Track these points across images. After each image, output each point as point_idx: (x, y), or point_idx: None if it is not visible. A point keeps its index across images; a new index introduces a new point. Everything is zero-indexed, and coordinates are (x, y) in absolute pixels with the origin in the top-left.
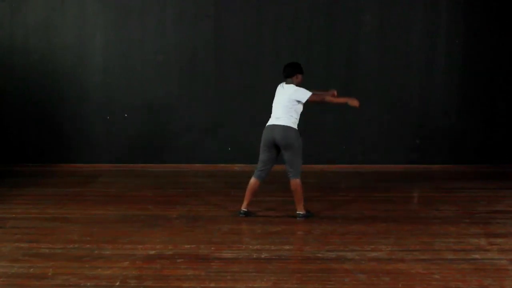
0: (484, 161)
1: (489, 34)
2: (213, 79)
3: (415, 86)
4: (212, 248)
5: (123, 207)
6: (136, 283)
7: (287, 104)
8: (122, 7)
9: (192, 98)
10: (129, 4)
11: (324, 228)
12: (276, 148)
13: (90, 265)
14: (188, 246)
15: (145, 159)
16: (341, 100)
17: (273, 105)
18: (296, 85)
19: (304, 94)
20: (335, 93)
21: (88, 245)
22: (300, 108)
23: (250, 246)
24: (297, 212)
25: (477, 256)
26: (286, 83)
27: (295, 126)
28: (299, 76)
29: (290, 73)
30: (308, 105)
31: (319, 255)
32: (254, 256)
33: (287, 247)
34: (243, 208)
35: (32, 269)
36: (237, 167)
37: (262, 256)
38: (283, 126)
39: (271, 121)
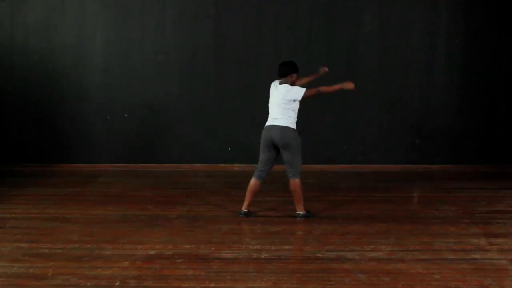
0: (484, 161)
1: (489, 34)
2: (213, 79)
3: (415, 86)
4: (212, 248)
5: (123, 207)
6: (136, 283)
7: (283, 105)
8: (122, 7)
9: (192, 98)
10: (129, 4)
11: (324, 228)
12: (276, 148)
13: (90, 265)
14: (188, 246)
15: (145, 159)
16: (336, 87)
17: (269, 106)
18: (291, 84)
19: (299, 92)
20: (326, 69)
21: (88, 245)
22: (296, 106)
23: (250, 246)
24: (297, 212)
25: (477, 256)
26: (279, 83)
27: (294, 126)
28: (294, 76)
29: (285, 73)
30: (308, 105)
31: (319, 255)
32: (254, 256)
33: (287, 247)
34: (244, 209)
35: (32, 269)
36: (237, 167)
37: (262, 256)
38: (281, 126)
39: (269, 122)
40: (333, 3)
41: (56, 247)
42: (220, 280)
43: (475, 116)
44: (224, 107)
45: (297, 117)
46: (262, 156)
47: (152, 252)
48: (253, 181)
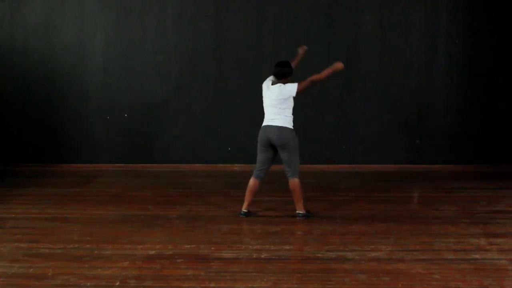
0: (484, 161)
1: (489, 34)
2: (213, 79)
3: (415, 86)
4: (212, 248)
5: (123, 207)
6: (136, 283)
7: (278, 105)
8: (122, 7)
9: (192, 98)
10: (129, 4)
11: (324, 228)
12: (273, 148)
13: (90, 265)
14: (188, 246)
15: (145, 159)
16: (327, 72)
17: (264, 107)
18: (283, 83)
19: (292, 89)
20: (305, 47)
21: (88, 245)
22: (292, 102)
23: (250, 246)
24: (297, 211)
25: (477, 256)
26: (272, 83)
27: (291, 125)
28: (289, 78)
29: (281, 76)
30: (308, 105)
31: (319, 255)
32: (254, 256)
33: (287, 247)
34: (244, 209)
35: (32, 269)
36: (237, 167)
37: (262, 256)
38: (278, 126)
39: (265, 122)
40: (333, 3)
41: (56, 247)
42: (220, 280)
43: (475, 116)
44: (224, 107)
45: (295, 117)
46: (260, 156)
47: (152, 252)
48: (252, 181)
